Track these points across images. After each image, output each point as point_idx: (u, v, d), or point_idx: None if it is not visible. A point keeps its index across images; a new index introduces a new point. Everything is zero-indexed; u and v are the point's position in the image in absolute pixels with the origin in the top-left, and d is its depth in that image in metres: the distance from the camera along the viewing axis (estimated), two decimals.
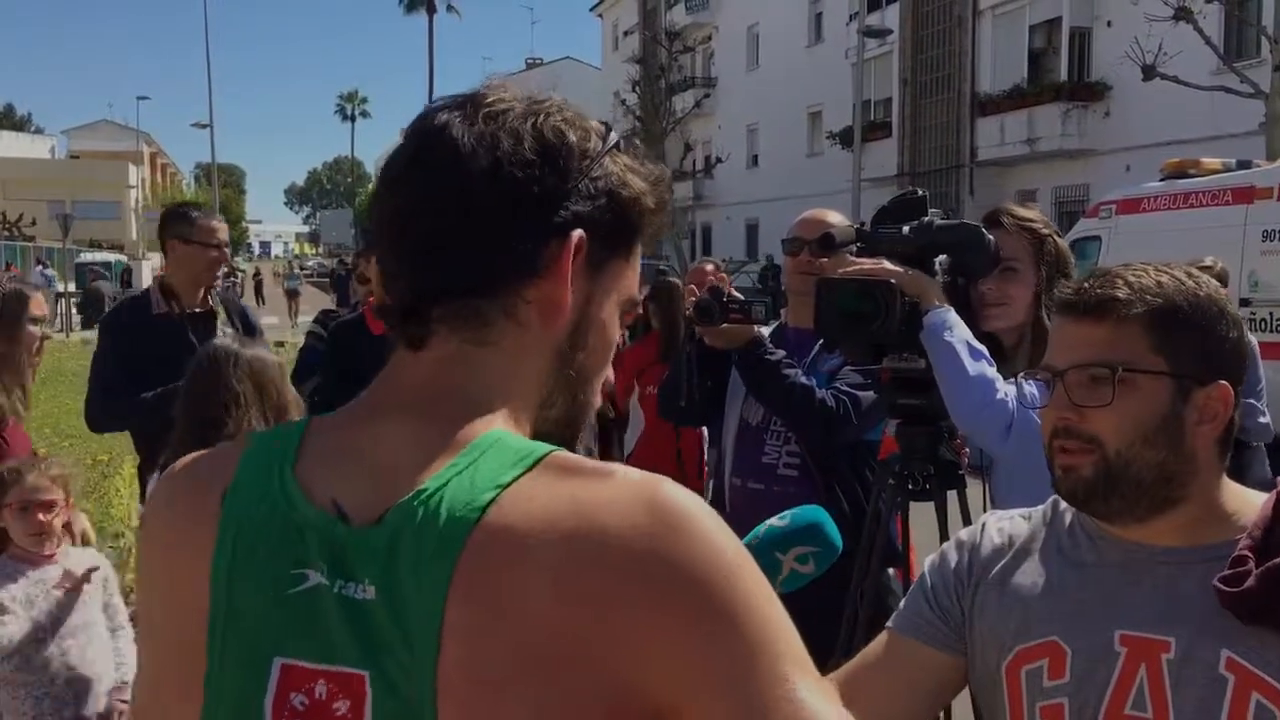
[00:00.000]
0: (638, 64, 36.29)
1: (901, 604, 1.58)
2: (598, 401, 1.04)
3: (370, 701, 0.84)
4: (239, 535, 0.90)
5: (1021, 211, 2.55)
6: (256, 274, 41.82)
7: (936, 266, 2.36)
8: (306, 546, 0.87)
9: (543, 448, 0.89)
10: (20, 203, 43.67)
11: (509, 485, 0.85)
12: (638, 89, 34.99)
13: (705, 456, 4.74)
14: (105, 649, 3.01)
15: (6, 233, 39.88)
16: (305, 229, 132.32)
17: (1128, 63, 17.35)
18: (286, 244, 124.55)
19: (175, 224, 4.04)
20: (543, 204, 0.92)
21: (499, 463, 0.86)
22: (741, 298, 2.95)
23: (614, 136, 0.99)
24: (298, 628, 0.87)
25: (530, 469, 0.86)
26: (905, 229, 2.33)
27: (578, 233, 0.93)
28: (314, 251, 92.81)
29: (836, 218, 3.02)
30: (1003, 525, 1.55)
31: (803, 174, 32.73)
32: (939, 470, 2.47)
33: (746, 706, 0.83)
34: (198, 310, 4.00)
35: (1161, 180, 10.48)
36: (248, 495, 0.91)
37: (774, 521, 1.61)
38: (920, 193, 2.44)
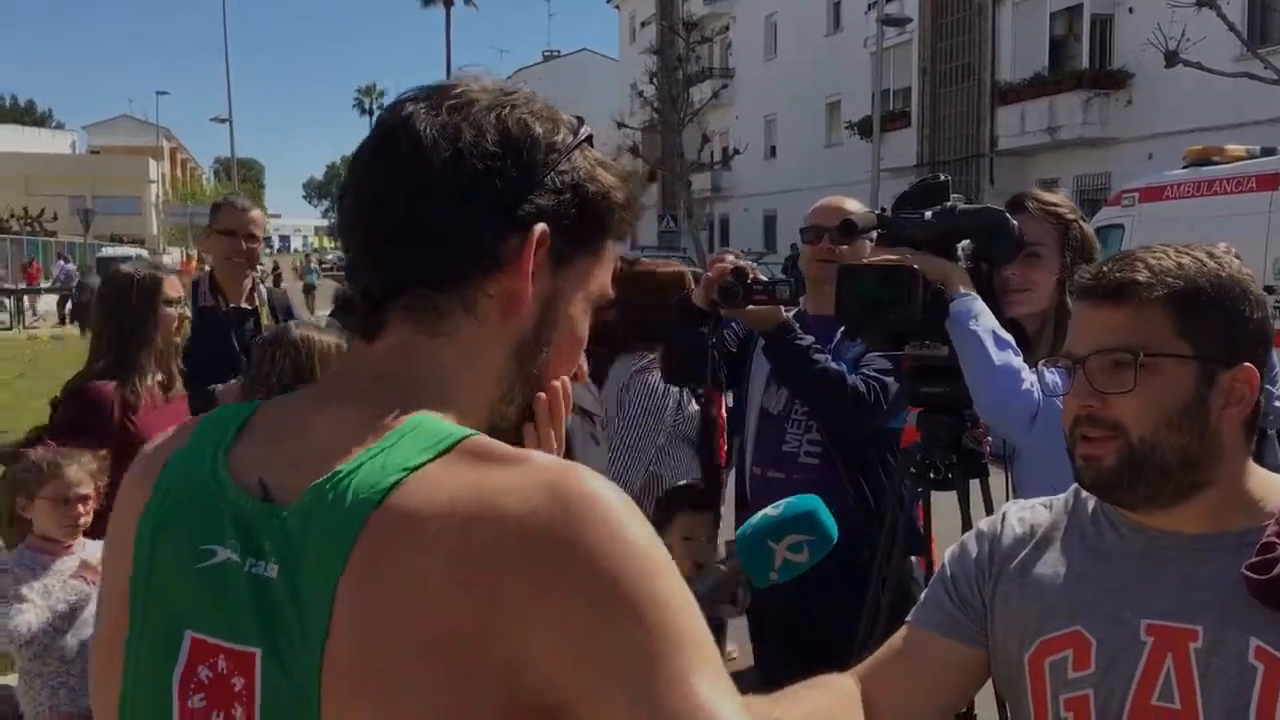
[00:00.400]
0: (655, 55, 36.18)
1: (922, 596, 1.55)
2: None
3: (260, 679, 0.84)
4: (163, 506, 0.92)
5: (1047, 196, 2.51)
6: (275, 268, 41.95)
7: (959, 252, 2.33)
8: (222, 522, 0.88)
9: (460, 432, 0.87)
10: (42, 198, 43.94)
11: (417, 469, 0.84)
12: (655, 80, 34.90)
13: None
14: None
15: (29, 228, 40.16)
16: (324, 223, 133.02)
17: (1150, 49, 17.17)
18: (306, 237, 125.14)
19: (210, 213, 4.07)
20: (505, 197, 0.91)
21: (413, 447, 0.86)
22: (765, 278, 2.91)
23: (585, 130, 0.98)
24: (206, 602, 0.87)
25: (443, 453, 0.85)
26: (927, 214, 2.29)
27: (540, 226, 0.92)
28: (333, 245, 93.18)
29: (854, 205, 2.99)
30: (1023, 515, 1.52)
31: (821, 165, 32.61)
32: (961, 459, 2.43)
33: (640, 703, 0.78)
34: (244, 306, 3.98)
35: (1184, 168, 10.39)
36: (182, 468, 0.93)
37: (768, 510, 1.59)
38: (943, 177, 2.40)
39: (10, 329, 24.59)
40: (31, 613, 2.78)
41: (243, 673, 0.85)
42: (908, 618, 1.54)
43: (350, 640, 0.81)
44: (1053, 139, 23.48)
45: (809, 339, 2.93)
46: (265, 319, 4.07)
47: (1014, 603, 1.44)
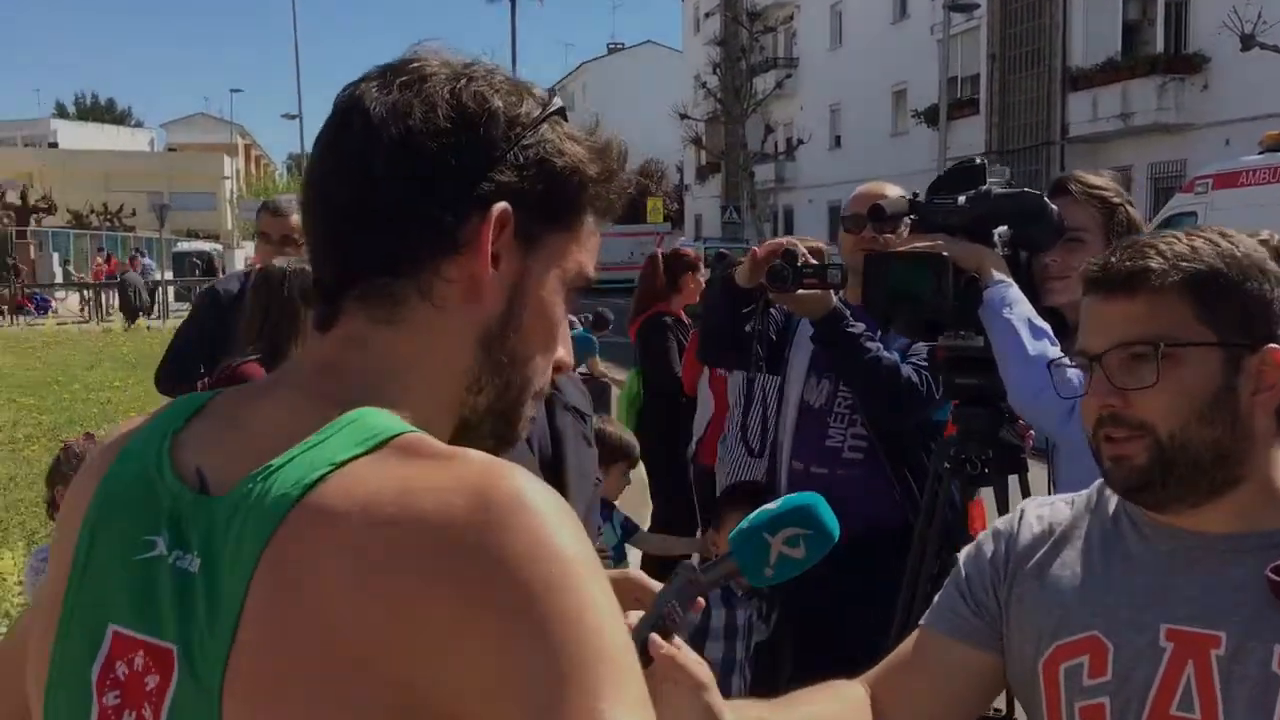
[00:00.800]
0: (719, 46, 36.01)
1: (936, 598, 1.49)
2: (542, 384, 0.97)
3: (175, 679, 0.80)
4: (108, 494, 0.89)
5: (1091, 179, 2.41)
6: None
7: (996, 238, 2.24)
8: (159, 513, 0.85)
9: (396, 428, 0.83)
10: (121, 194, 45.05)
11: (344, 464, 0.79)
12: (718, 71, 34.75)
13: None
14: None
15: (108, 223, 41.24)
16: None
17: (1226, 33, 16.70)
18: None
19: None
20: (461, 175, 0.87)
21: (345, 441, 0.81)
22: (816, 262, 2.81)
23: (557, 102, 0.93)
24: (134, 595, 0.84)
25: (374, 449, 0.80)
26: (961, 199, 2.21)
27: (500, 205, 0.87)
28: None
29: (894, 190, 2.90)
30: (1042, 512, 1.45)
31: (886, 154, 32.19)
32: (999, 453, 2.35)
33: None
34: None
35: (1261, 153, 10.07)
36: (132, 455, 0.90)
37: (767, 506, 1.56)
38: (979, 160, 2.32)
39: (88, 322, 25.22)
40: None
41: (158, 670, 0.81)
42: (920, 621, 1.48)
43: (253, 643, 0.77)
44: (1126, 125, 22.92)
45: (860, 326, 2.85)
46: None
47: (1029, 604, 1.38)
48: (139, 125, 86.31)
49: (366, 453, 0.80)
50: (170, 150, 71.24)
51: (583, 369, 9.65)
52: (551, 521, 0.77)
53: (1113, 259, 1.30)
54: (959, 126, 27.88)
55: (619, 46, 65.89)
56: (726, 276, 2.96)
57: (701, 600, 1.79)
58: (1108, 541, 1.37)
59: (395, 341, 0.88)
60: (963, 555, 1.49)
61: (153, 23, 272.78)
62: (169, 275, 30.28)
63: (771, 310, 3.13)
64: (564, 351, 0.98)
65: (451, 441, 0.90)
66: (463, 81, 0.89)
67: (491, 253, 0.88)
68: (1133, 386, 1.26)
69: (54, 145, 59.60)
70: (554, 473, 2.06)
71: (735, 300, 2.90)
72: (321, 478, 0.79)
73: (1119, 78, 23.07)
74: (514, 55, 63.61)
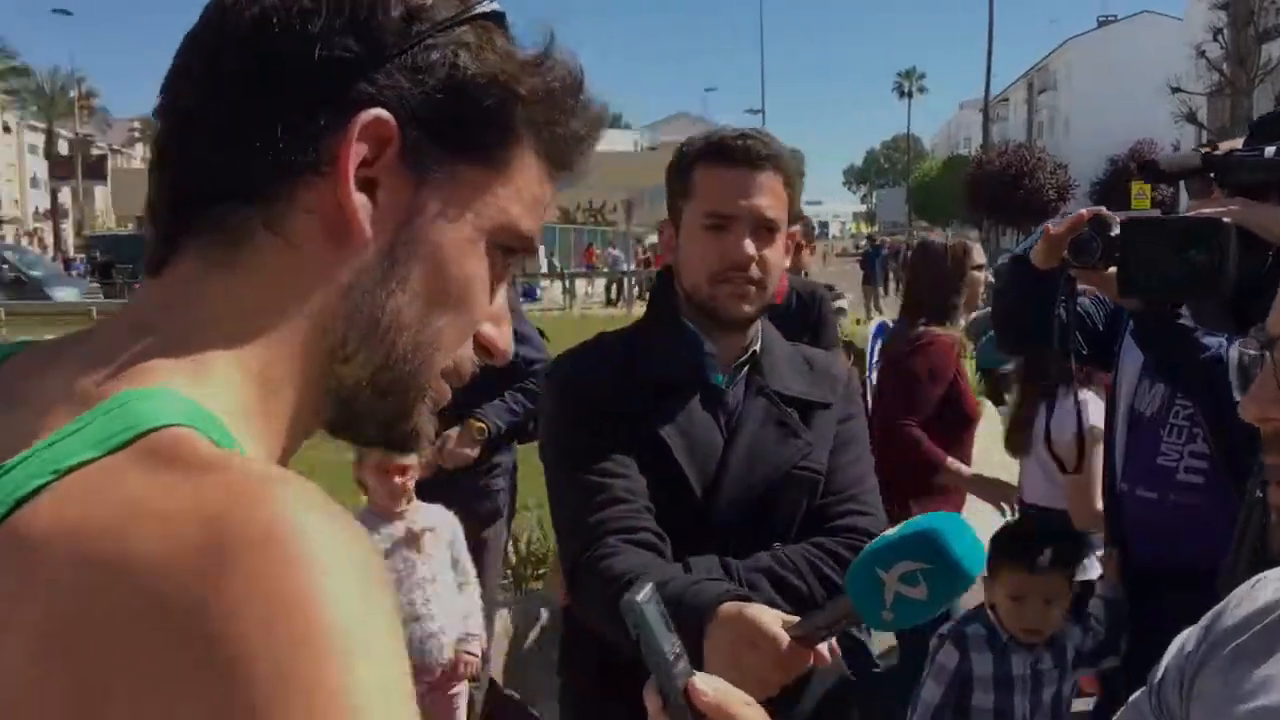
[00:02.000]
0: (1223, 10, 32.19)
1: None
2: (448, 361, 0.74)
3: None
4: None
5: None
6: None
7: None
8: None
9: (155, 421, 0.60)
10: (603, 191, 49.15)
11: (73, 470, 0.58)
12: (1220, 38, 31.08)
13: None
14: (451, 602, 3.15)
15: (591, 219, 45.13)
16: (862, 208, 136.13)
17: None
18: (845, 223, 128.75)
19: None
20: (330, 74, 0.66)
21: (93, 437, 0.60)
22: None
23: (492, 4, 0.71)
24: None
25: (117, 450, 0.59)
26: (1269, 150, 1.66)
27: (372, 111, 0.66)
28: (868, 229, 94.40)
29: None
30: None
31: None
32: None
33: None
34: None
35: None
36: None
37: (889, 531, 1.25)
38: None
39: (565, 309, 27.62)
40: None
41: None
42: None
43: None
44: None
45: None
46: None
47: (1205, 709, 1.00)
48: (627, 127, 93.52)
49: (107, 454, 0.60)
50: (650, 149, 76.56)
51: None
52: (314, 571, 0.54)
53: None
54: None
55: (1110, 19, 61.12)
56: (1018, 256, 2.47)
57: (824, 651, 1.47)
58: None
59: (234, 291, 0.69)
60: (1179, 637, 1.11)
61: (643, 32, 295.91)
62: (630, 265, 32.24)
63: (1100, 295, 2.61)
64: (491, 327, 0.76)
65: (332, 433, 0.70)
66: None
67: (366, 177, 0.68)
68: None
69: None
70: (723, 454, 1.86)
71: (1027, 282, 2.40)
72: (41, 487, 0.58)
73: None
74: (990, 36, 61.13)
